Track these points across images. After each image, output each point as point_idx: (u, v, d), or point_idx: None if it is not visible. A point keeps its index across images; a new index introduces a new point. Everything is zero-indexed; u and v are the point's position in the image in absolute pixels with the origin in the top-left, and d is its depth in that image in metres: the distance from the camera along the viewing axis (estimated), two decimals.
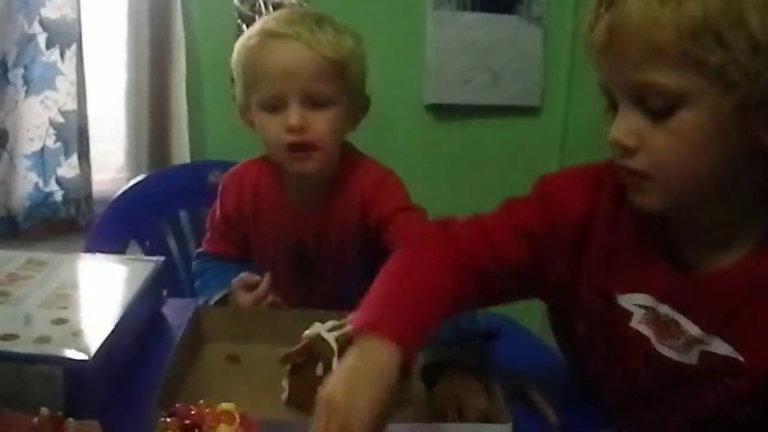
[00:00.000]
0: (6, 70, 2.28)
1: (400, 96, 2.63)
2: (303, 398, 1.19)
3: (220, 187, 1.66)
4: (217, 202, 1.66)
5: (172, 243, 2.14)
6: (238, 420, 0.88)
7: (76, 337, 1.15)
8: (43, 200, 2.41)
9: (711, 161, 0.95)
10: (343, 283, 1.59)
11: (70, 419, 0.89)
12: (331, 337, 1.17)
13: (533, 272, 1.18)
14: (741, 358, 1.00)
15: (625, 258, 1.11)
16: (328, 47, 1.46)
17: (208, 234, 1.69)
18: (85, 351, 1.10)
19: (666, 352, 1.06)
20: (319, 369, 1.17)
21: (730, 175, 0.97)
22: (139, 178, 2.24)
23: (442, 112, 2.75)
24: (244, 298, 1.49)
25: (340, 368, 1.00)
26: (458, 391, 1.19)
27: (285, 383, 1.22)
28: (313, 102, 1.46)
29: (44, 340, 1.13)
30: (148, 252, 2.05)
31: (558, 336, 1.32)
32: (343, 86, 1.50)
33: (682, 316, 1.04)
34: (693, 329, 1.03)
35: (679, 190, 0.99)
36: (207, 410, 0.88)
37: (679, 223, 1.07)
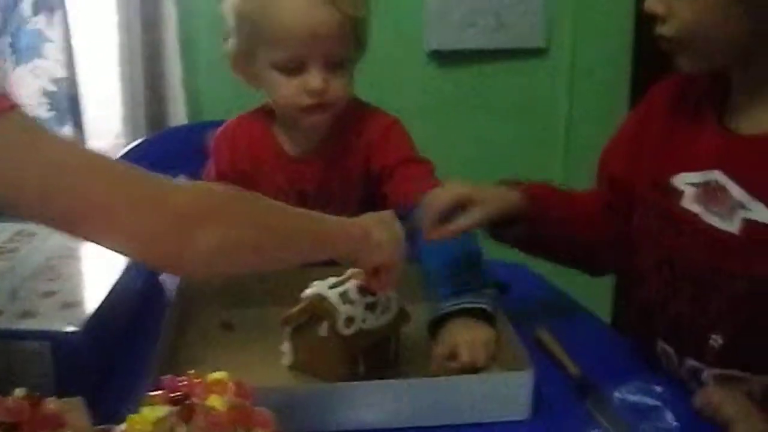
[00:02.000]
0: None
1: (400, 43, 2.54)
2: (307, 360, 1.15)
3: (212, 147, 1.60)
4: (210, 162, 1.60)
5: None
6: (232, 389, 0.82)
7: (65, 309, 1.10)
8: None
9: (734, 27, 1.04)
10: None
11: (51, 398, 0.83)
12: (333, 295, 1.12)
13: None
14: None
15: (681, 136, 1.18)
16: (350, 4, 1.40)
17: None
18: (73, 323, 1.04)
19: (710, 220, 1.09)
20: (323, 329, 1.12)
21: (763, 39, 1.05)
22: (136, 143, 2.18)
23: (445, 58, 2.66)
24: None
25: None
26: (457, 340, 1.16)
27: (286, 347, 1.17)
28: (333, 63, 1.41)
29: (31, 314, 1.07)
30: None
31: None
32: (359, 42, 1.46)
33: (729, 179, 1.08)
34: (737, 192, 1.07)
35: (708, 53, 1.09)
36: (197, 381, 0.82)
37: (735, 90, 1.13)
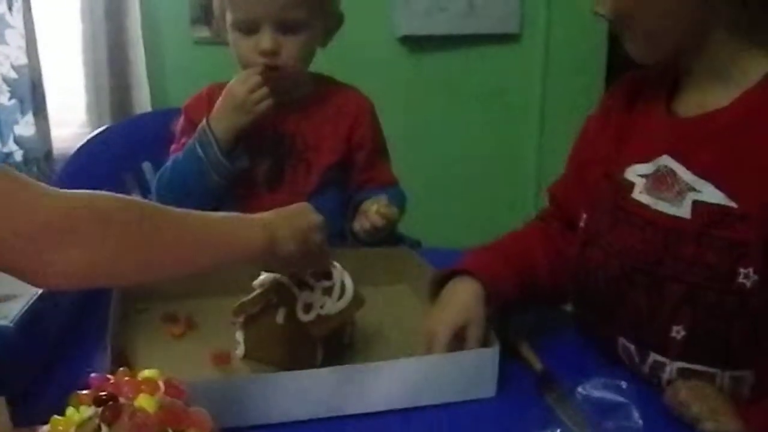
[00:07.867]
0: None
1: (370, 28, 2.50)
2: (262, 350, 1.11)
3: (186, 111, 1.61)
4: (180, 120, 1.61)
5: (137, 197, 2.01)
6: (162, 388, 0.77)
7: (1, 303, 1.05)
8: (2, 161, 2.28)
9: (677, 11, 1.05)
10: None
11: None
12: (290, 281, 1.08)
13: None
14: (734, 205, 1.01)
15: (635, 130, 1.17)
16: None
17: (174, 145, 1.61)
18: (6, 317, 0.99)
19: (661, 207, 1.07)
20: (280, 316, 1.08)
21: (702, 24, 1.05)
22: (98, 130, 2.12)
23: (417, 43, 2.63)
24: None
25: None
26: None
27: (239, 336, 1.13)
28: (285, 26, 1.48)
29: None
30: None
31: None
32: (318, 9, 1.51)
33: (678, 164, 1.07)
34: (686, 175, 1.05)
35: (652, 37, 1.09)
36: (126, 379, 0.77)
37: (684, 77, 1.13)
